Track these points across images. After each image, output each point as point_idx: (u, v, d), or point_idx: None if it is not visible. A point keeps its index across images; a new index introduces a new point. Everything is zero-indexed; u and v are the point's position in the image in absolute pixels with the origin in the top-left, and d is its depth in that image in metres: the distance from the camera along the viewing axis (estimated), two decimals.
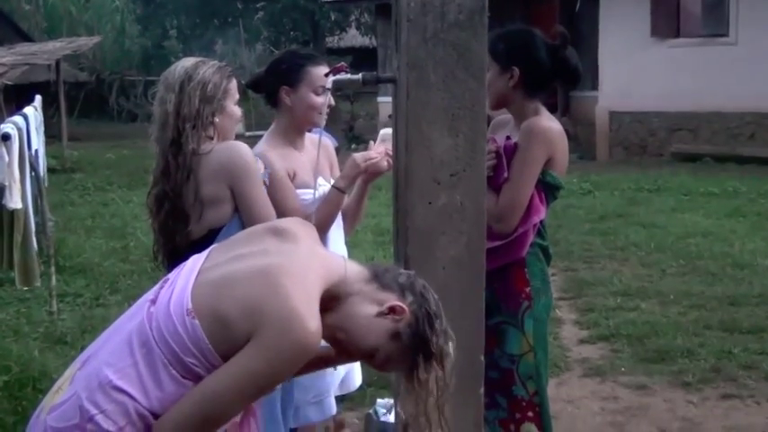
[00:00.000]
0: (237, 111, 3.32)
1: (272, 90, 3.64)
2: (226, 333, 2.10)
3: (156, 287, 2.27)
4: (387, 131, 3.42)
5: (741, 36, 15.96)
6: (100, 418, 2.06)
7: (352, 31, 30.74)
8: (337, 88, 2.97)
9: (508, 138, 3.39)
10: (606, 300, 7.20)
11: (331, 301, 2.23)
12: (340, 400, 4.02)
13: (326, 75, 3.17)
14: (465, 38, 2.68)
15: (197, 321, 2.11)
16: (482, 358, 2.82)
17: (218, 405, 2.09)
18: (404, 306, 2.22)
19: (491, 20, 2.74)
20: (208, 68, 3.21)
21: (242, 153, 3.17)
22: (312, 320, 2.08)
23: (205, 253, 2.34)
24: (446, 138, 2.69)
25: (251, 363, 2.07)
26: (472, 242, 2.76)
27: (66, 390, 2.14)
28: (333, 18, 30.04)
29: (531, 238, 3.35)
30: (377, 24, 23.75)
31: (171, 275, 2.28)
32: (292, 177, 3.58)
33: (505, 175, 3.29)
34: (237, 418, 2.34)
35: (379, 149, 3.52)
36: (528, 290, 3.35)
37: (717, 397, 5.24)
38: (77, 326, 6.37)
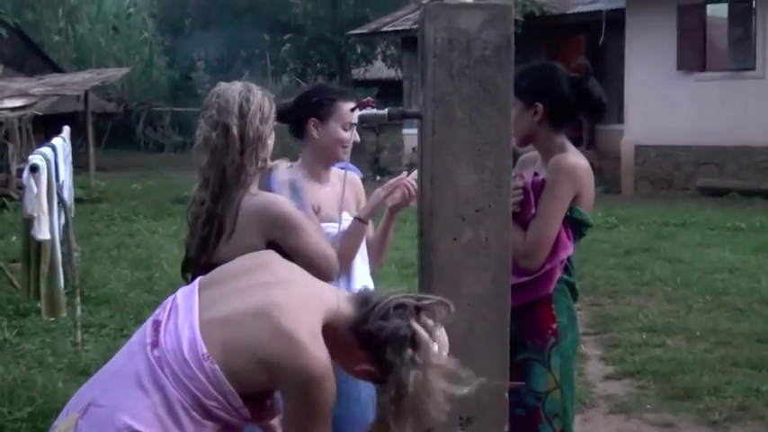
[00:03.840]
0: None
1: (299, 121, 3.64)
2: (243, 378, 2.15)
3: (147, 330, 2.24)
4: None
5: None
6: None
7: (378, 63, 30.94)
8: (363, 122, 2.97)
9: (536, 174, 3.38)
10: (632, 335, 7.13)
11: (326, 334, 2.25)
12: None
13: (352, 109, 3.18)
14: (491, 74, 2.68)
15: (216, 366, 2.12)
16: (507, 395, 2.80)
17: None
18: (372, 371, 2.25)
19: (517, 54, 2.75)
20: (258, 91, 3.21)
21: (281, 207, 3.15)
22: (318, 351, 2.14)
23: (194, 288, 2.33)
24: (471, 173, 2.69)
25: (299, 413, 2.18)
26: (497, 278, 2.74)
27: None
28: (359, 50, 30.27)
29: (559, 274, 3.33)
30: (402, 57, 23.89)
31: (160, 317, 2.26)
32: (317, 211, 3.57)
33: (533, 211, 3.28)
34: None
35: (399, 179, 3.51)
36: (555, 326, 3.33)
37: None
38: (101, 357, 6.35)
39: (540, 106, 3.35)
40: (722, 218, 13.27)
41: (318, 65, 31.66)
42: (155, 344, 2.18)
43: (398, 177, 3.55)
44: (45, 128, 18.96)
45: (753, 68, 16.18)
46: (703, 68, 16.64)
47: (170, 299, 2.32)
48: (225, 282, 2.33)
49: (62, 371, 5.87)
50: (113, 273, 9.54)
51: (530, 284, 3.28)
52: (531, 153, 3.62)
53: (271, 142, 3.25)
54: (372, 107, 3.00)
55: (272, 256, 2.51)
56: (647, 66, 16.84)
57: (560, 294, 3.37)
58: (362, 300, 2.31)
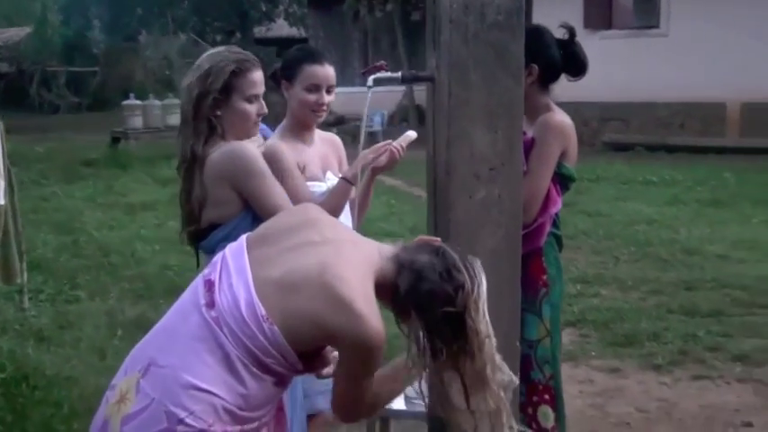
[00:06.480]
0: (248, 108, 3.22)
1: (278, 82, 3.70)
2: (302, 340, 2.24)
3: (200, 289, 2.29)
4: (409, 134, 3.48)
5: (672, 28, 16.42)
6: (190, 419, 2.14)
7: (281, 21, 30.55)
8: (377, 85, 3.04)
9: (524, 133, 3.50)
10: (566, 286, 7.35)
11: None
12: None
13: (364, 73, 3.23)
14: (503, 38, 2.79)
15: (276, 327, 2.20)
16: (518, 344, 2.94)
17: (361, 396, 2.35)
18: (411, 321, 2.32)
19: None
20: (217, 60, 3.17)
21: (240, 154, 3.13)
22: (374, 320, 2.21)
23: (242, 246, 2.36)
24: (486, 134, 2.80)
25: (353, 370, 2.30)
26: (509, 234, 2.87)
27: (136, 399, 2.18)
28: (264, 9, 29.86)
29: (549, 228, 3.49)
30: (309, 16, 23.72)
31: (212, 276, 2.30)
32: (302, 170, 3.63)
33: (524, 168, 3.41)
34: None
35: (387, 143, 3.58)
36: (545, 277, 3.50)
37: (688, 378, 5.46)
38: (51, 321, 6.31)
39: (535, 68, 3.47)
40: (632, 172, 13.72)
41: (216, 23, 31.13)
42: (210, 304, 2.23)
43: (387, 141, 3.62)
44: None
45: (657, 26, 16.67)
46: (609, 26, 17.06)
47: (218, 257, 2.36)
48: (273, 240, 2.37)
49: (21, 337, 5.80)
50: (38, 238, 9.32)
51: (523, 238, 3.41)
52: None
53: (230, 117, 3.17)
54: (385, 70, 3.07)
55: (316, 212, 2.51)
56: (554, 24, 17.02)
57: (549, 247, 3.53)
58: (399, 262, 2.34)
